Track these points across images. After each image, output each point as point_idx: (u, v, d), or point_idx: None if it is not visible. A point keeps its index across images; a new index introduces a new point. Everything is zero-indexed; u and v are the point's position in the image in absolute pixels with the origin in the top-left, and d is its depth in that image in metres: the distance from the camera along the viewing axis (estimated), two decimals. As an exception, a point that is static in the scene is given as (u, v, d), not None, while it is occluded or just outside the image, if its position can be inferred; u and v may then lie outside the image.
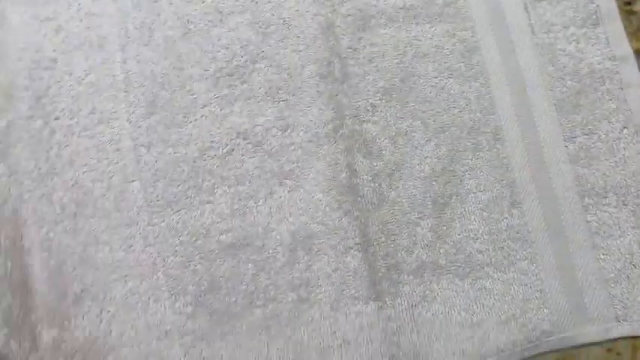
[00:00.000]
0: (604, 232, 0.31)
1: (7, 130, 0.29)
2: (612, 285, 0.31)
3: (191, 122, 0.30)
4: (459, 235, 0.31)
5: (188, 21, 0.31)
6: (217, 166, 0.30)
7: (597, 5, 0.34)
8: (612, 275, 0.31)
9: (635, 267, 0.31)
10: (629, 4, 0.35)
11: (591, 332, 0.30)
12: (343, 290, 0.30)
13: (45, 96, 0.30)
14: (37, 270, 0.29)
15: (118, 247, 0.29)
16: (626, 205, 0.32)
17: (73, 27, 0.31)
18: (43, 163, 0.29)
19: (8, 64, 0.30)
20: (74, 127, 0.30)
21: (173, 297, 0.29)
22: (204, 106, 0.31)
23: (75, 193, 0.29)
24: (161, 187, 0.30)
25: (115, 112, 0.30)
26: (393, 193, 0.31)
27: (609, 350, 0.31)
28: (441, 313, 0.30)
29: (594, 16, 0.34)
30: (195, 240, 0.29)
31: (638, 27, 0.35)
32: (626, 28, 0.35)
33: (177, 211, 0.29)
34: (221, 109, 0.31)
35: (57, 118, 0.30)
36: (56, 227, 0.29)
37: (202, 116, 0.31)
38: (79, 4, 0.31)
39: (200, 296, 0.29)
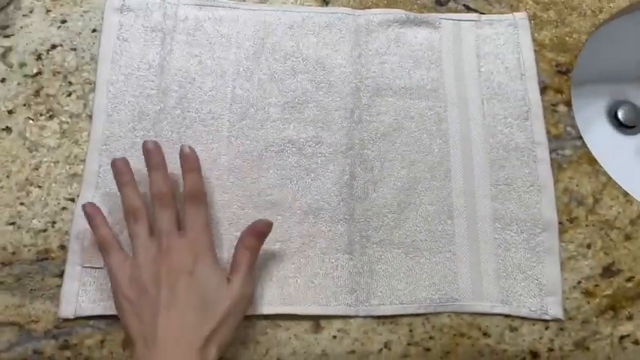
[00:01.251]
0: (505, 246, 0.49)
1: (160, 111, 0.50)
2: (503, 280, 0.48)
3: (264, 129, 0.51)
4: (409, 227, 0.49)
5: (274, 72, 0.52)
6: (273, 157, 0.50)
7: (529, 108, 0.53)
8: (504, 274, 0.48)
9: (520, 272, 0.48)
10: (555, 105, 0.54)
11: (483, 306, 0.47)
12: (331, 244, 0.48)
13: (184, 97, 0.51)
14: (156, 195, 0.49)
15: (208, 190, 0.49)
16: (522, 232, 0.49)
17: (209, 62, 0.52)
18: (175, 134, 0.50)
19: (169, 76, 0.52)
20: (196, 118, 0.51)
21: (232, 224, 0.48)
22: (273, 121, 0.51)
23: (189, 155, 0.50)
24: (239, 162, 0.49)
25: (222, 114, 0.51)
26: (374, 194, 0.50)
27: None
28: (389, 270, 0.47)
29: (526, 114, 0.53)
30: (251, 195, 0.49)
31: (558, 120, 0.53)
32: (549, 119, 0.53)
33: (244, 177, 0.49)
34: (282, 125, 0.51)
35: (188, 111, 0.51)
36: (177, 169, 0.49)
37: (271, 127, 0.51)
38: (214, 50, 0.53)
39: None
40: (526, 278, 0.48)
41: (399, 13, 0.55)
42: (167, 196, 0.43)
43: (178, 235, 0.42)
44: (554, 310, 0.47)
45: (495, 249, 0.48)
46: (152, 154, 0.44)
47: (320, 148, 0.50)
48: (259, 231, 0.44)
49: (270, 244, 0.47)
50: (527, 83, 0.54)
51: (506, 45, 0.55)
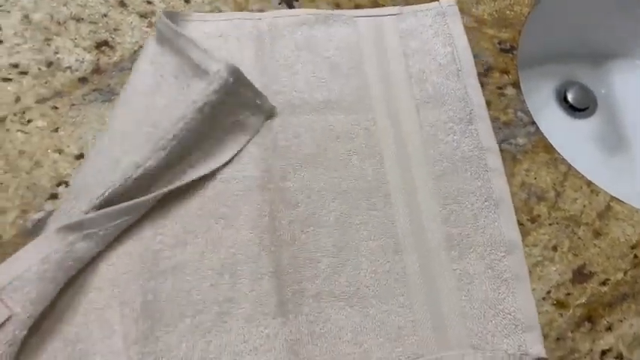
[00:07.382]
0: (466, 279, 0.40)
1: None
2: (470, 321, 0.39)
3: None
4: (351, 272, 0.39)
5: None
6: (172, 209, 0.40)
7: (471, 109, 0.45)
8: (471, 313, 0.39)
9: (489, 308, 0.39)
10: (502, 88, 0.46)
11: (451, 357, 0.38)
12: (257, 307, 0.38)
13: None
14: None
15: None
16: (483, 258, 0.41)
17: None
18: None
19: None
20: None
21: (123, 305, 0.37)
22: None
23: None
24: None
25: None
26: (303, 235, 0.40)
27: None
28: (332, 331, 0.38)
29: (468, 116, 0.45)
30: (144, 263, 0.38)
31: (507, 104, 0.46)
32: (497, 105, 0.46)
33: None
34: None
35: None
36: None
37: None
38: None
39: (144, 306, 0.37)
40: (497, 314, 0.39)
41: (308, 12, 0.46)
42: None
43: None
44: (536, 349, 0.39)
45: (456, 283, 0.40)
46: None
47: (229, 185, 0.40)
48: None
49: (176, 320, 0.37)
50: (465, 80, 0.46)
51: (436, 38, 0.47)
